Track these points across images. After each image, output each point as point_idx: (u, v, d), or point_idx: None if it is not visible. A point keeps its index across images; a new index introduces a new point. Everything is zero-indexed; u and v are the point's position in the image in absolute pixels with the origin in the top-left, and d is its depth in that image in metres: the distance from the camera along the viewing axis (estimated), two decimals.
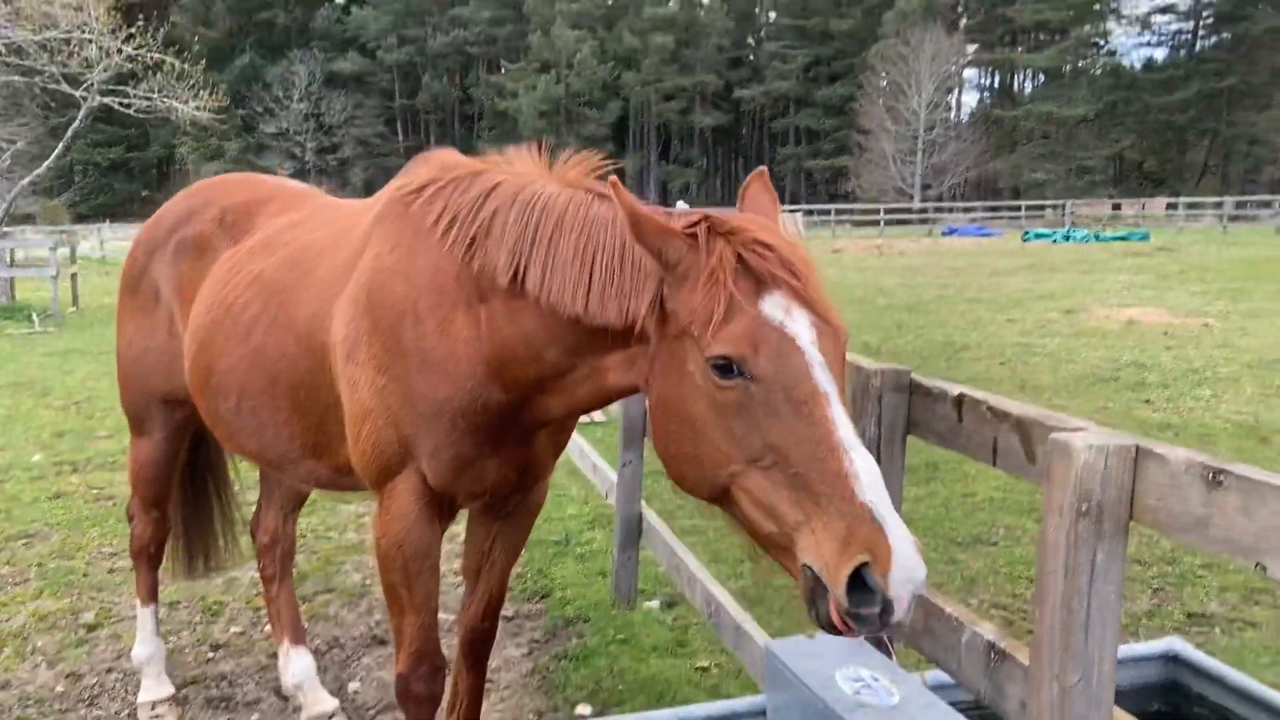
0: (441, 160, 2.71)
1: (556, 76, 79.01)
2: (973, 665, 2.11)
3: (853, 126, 69.91)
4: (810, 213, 53.06)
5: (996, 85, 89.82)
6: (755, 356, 1.85)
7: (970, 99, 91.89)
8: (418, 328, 2.49)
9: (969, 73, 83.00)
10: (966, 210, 56.56)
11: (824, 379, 1.84)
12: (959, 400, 2.16)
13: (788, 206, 58.24)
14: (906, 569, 1.66)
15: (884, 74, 68.22)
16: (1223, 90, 68.35)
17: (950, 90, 73.42)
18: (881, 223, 51.43)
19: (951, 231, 45.72)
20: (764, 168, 2.38)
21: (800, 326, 1.88)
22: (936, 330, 14.35)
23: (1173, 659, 2.55)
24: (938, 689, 2.22)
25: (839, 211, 52.92)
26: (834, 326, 1.93)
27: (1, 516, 6.46)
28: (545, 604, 5.02)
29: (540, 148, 2.60)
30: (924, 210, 55.59)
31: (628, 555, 4.77)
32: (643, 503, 4.79)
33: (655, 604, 4.90)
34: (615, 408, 5.18)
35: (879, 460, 2.38)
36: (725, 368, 1.87)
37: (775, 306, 1.89)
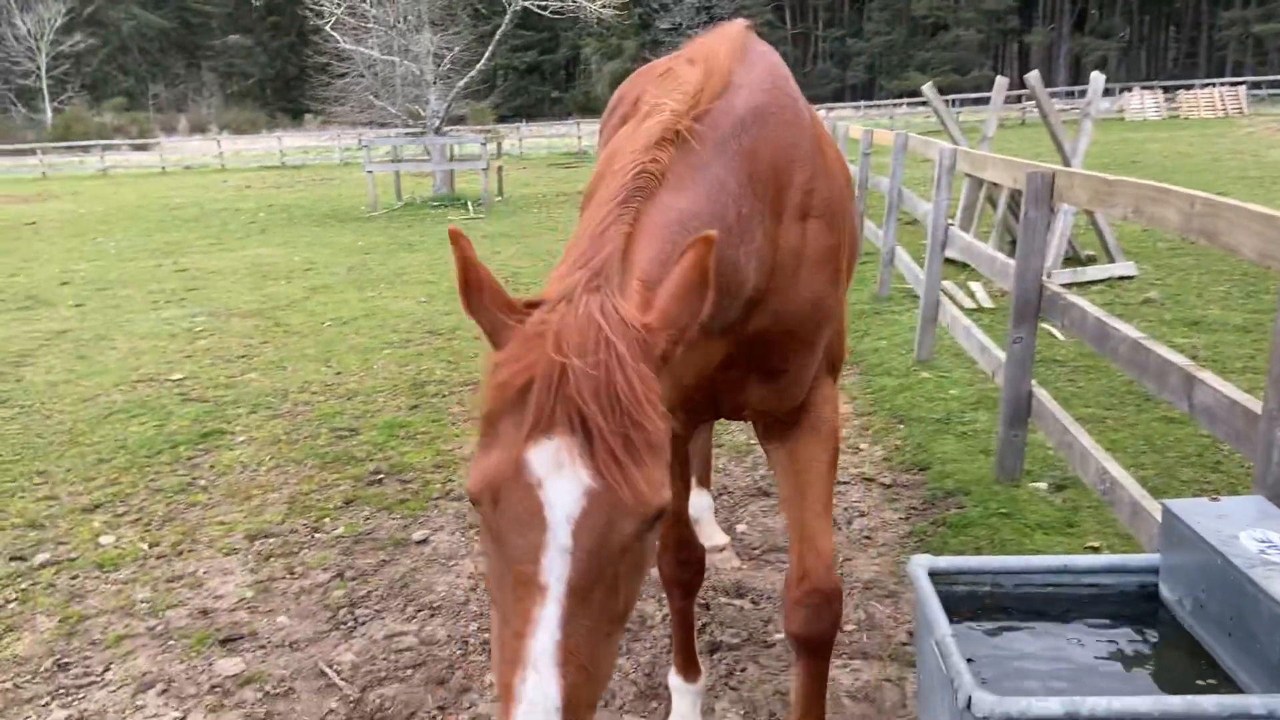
0: (691, 50, 2.44)
1: None
2: None
3: None
4: (1257, 86, 45.45)
5: None
6: (493, 510, 1.49)
7: None
8: None
9: None
10: None
11: (555, 570, 1.44)
12: None
13: (1229, 79, 50.25)
14: None
15: None
16: None
17: None
18: None
19: None
20: (710, 236, 1.64)
21: (561, 495, 1.45)
22: None
23: None
24: None
25: None
26: (622, 498, 1.46)
27: (452, 367, 7.68)
28: (924, 476, 5.09)
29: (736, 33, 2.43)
30: None
31: (1014, 433, 4.68)
32: (1032, 381, 4.64)
33: (1043, 485, 4.78)
34: (1009, 284, 5.01)
35: None
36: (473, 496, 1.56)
37: (543, 458, 1.46)
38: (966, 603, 2.37)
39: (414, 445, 5.92)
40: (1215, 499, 2.21)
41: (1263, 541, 1.99)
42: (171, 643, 3.83)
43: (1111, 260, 9.87)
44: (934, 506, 4.73)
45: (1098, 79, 9.85)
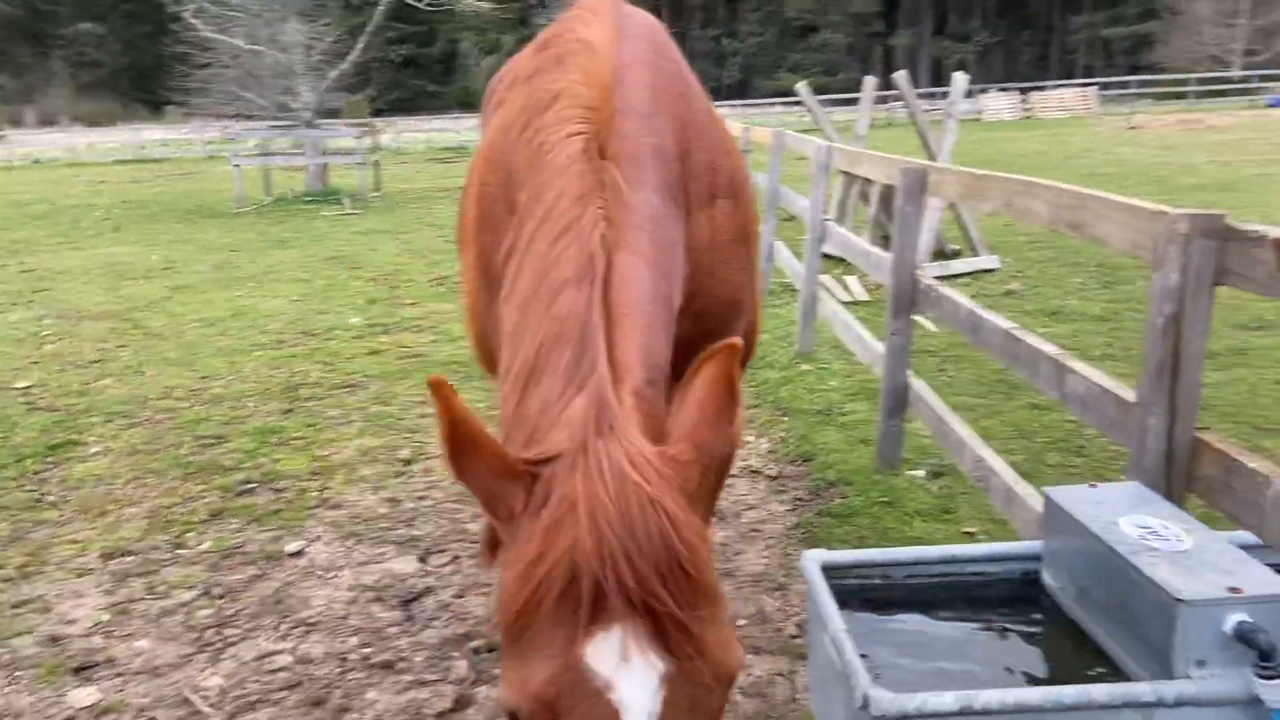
0: (562, 43, 2.17)
1: None
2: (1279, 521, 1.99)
3: None
4: (1105, 87, 48.13)
5: None
6: None
7: None
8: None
9: None
10: None
11: None
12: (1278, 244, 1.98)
13: (1079, 80, 53.08)
14: None
15: None
16: None
17: None
18: (1191, 95, 45.80)
19: (1277, 103, 39.98)
20: (735, 344, 1.43)
21: (638, 692, 1.23)
22: (1254, 212, 12.80)
23: None
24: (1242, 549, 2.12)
25: (1140, 84, 47.60)
26: (703, 676, 1.28)
27: (329, 369, 7.38)
28: (808, 467, 5.14)
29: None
30: (1245, 79, 48.84)
31: (893, 423, 4.77)
32: (909, 372, 4.73)
33: (920, 473, 4.89)
34: (886, 278, 5.10)
35: (1182, 310, 2.25)
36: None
37: (608, 655, 1.23)
38: (858, 596, 2.36)
39: (287, 452, 5.65)
40: (1094, 486, 2.26)
41: (1143, 528, 2.04)
42: (19, 673, 3.53)
43: (975, 254, 10.24)
44: (819, 497, 4.78)
45: (960, 80, 10.20)
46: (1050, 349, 3.10)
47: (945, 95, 11.23)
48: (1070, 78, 63.81)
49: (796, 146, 8.92)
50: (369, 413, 6.28)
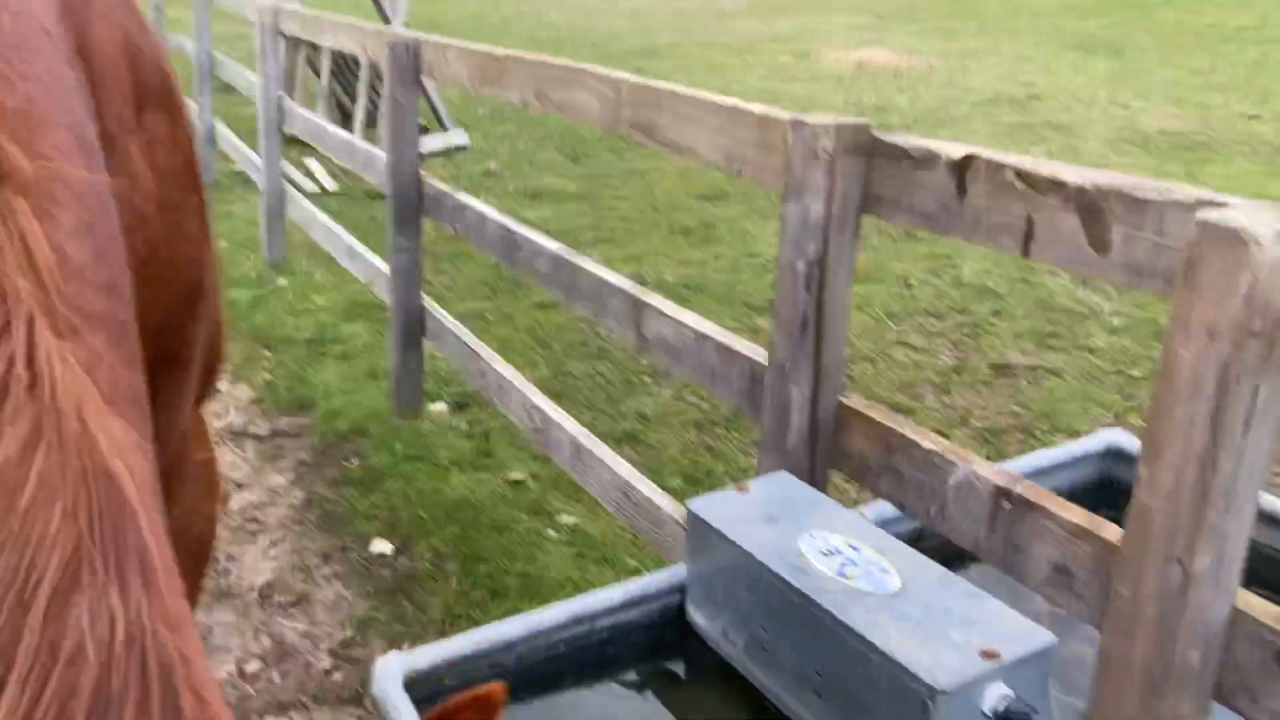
0: None
1: None
2: (966, 515, 1.62)
3: None
4: None
5: None
6: None
7: None
8: None
9: None
10: None
11: None
12: (963, 164, 1.53)
13: None
14: None
15: None
16: None
17: None
18: None
19: None
20: None
21: None
22: (681, 76, 13.71)
23: (1113, 454, 2.26)
24: (881, 523, 1.75)
25: None
26: None
27: None
28: (309, 417, 4.19)
29: None
30: None
31: (410, 356, 3.98)
32: (424, 295, 3.95)
33: (443, 407, 4.21)
34: (381, 180, 4.23)
35: (827, 251, 1.76)
36: None
37: None
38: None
39: None
40: (743, 490, 1.74)
41: (831, 554, 1.55)
42: None
43: (444, 128, 9.56)
44: (328, 457, 3.89)
45: None
46: (621, 281, 2.53)
47: None
48: None
49: (230, 5, 7.35)
50: None
